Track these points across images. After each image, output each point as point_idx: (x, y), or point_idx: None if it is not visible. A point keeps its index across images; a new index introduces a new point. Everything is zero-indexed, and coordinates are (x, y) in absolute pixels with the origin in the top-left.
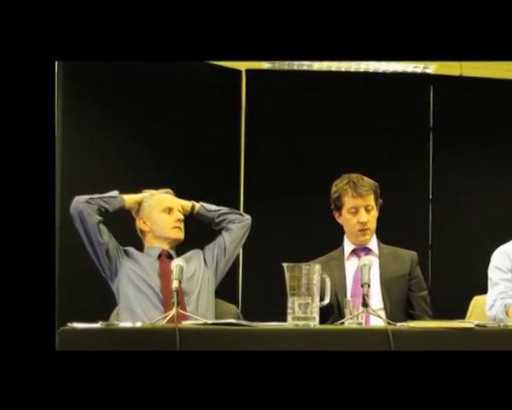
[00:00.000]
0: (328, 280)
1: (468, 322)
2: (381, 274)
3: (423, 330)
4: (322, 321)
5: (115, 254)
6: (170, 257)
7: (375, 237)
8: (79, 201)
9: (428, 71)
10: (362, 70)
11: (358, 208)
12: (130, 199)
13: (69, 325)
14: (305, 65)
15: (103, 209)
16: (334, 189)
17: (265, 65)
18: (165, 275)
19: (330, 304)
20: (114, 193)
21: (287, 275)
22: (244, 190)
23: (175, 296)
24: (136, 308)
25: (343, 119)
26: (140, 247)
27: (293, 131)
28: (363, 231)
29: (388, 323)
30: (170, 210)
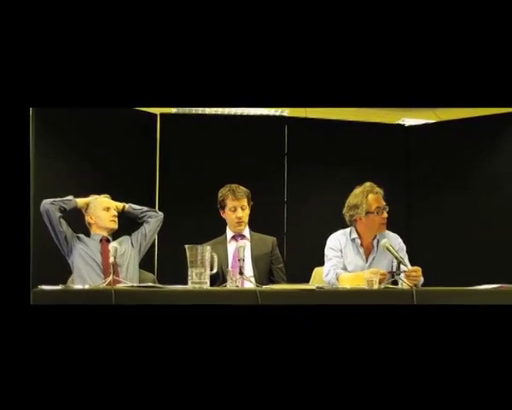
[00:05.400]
0: (215, 257)
1: (311, 285)
2: (251, 252)
3: (281, 290)
4: (211, 284)
5: (71, 238)
6: (108, 241)
7: (247, 227)
8: (46, 202)
9: (284, 114)
10: (238, 113)
11: (236, 208)
12: (81, 201)
13: (39, 287)
14: (200, 110)
15: (63, 208)
16: (219, 194)
17: (173, 110)
18: (105, 253)
19: (217, 273)
20: (70, 197)
21: (188, 253)
22: (158, 196)
23: (111, 268)
24: (85, 276)
25: (227, 147)
26: (88, 234)
27: (194, 156)
28: (239, 223)
29: (257, 286)
30: (108, 209)
